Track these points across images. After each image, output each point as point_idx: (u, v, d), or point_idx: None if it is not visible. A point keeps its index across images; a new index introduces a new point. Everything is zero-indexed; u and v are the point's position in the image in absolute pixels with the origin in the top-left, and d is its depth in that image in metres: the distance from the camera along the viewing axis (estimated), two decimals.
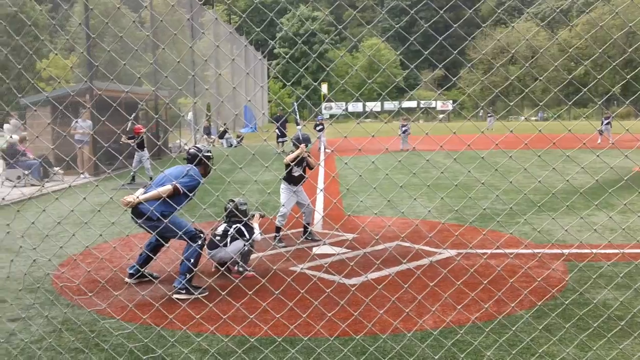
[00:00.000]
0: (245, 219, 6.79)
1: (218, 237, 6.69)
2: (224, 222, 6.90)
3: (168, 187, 5.85)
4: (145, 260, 6.39)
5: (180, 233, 5.59)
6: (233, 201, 7.03)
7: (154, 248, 6.42)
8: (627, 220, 9.28)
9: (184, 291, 5.88)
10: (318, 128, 24.96)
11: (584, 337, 4.48)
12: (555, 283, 6.17)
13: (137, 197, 5.90)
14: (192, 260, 5.88)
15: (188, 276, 5.89)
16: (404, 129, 24.99)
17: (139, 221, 5.91)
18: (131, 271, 6.42)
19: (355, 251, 7.69)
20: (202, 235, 6.08)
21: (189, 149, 6.58)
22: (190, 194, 5.94)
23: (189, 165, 6.24)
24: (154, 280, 6.35)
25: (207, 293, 5.91)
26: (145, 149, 15.79)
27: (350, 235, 8.45)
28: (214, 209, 10.52)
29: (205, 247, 6.32)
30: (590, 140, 24.49)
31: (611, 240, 7.59)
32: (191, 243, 5.92)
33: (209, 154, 6.45)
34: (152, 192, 5.89)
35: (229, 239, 6.67)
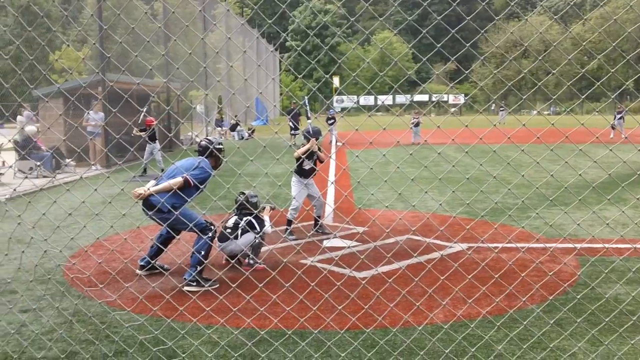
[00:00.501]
0: (255, 212, 6.80)
1: (229, 230, 6.71)
2: (235, 215, 6.91)
3: (179, 180, 5.86)
4: (156, 252, 6.42)
5: (190, 225, 5.60)
6: (244, 194, 7.05)
7: (165, 240, 6.44)
8: None
9: (194, 283, 5.89)
10: (330, 122, 24.92)
11: (595, 331, 4.45)
12: (566, 277, 6.13)
13: (148, 189, 5.91)
14: (202, 253, 5.89)
15: (199, 268, 5.91)
16: (415, 121, 24.92)
17: (149, 213, 5.94)
18: (142, 263, 6.45)
19: (365, 244, 7.68)
20: (212, 227, 6.08)
21: (200, 141, 6.59)
22: (201, 186, 5.94)
23: (200, 157, 6.24)
24: (165, 273, 6.37)
25: (217, 285, 5.93)
26: (157, 141, 15.83)
27: (361, 229, 8.45)
28: (225, 202, 10.55)
29: (215, 239, 6.33)
30: (603, 134, 24.29)
31: (623, 234, 7.52)
32: (202, 235, 5.93)
33: (220, 146, 6.44)
34: (163, 184, 5.91)
35: (239, 232, 6.69)
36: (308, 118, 9.16)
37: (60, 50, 31.42)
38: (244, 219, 6.76)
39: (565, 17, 67.65)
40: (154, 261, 6.40)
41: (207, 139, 6.63)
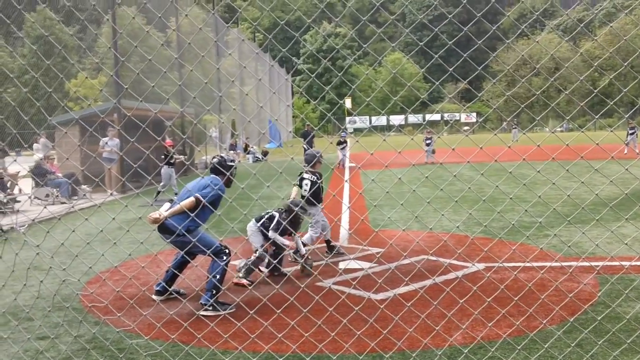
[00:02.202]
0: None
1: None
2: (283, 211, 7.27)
3: (190, 200, 5.89)
4: (171, 277, 6.41)
5: (205, 249, 5.60)
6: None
7: (180, 264, 6.44)
8: None
9: (211, 308, 5.88)
10: (341, 146, 24.86)
11: (617, 353, 4.38)
12: (585, 297, 6.06)
13: (162, 214, 5.94)
14: (217, 277, 5.89)
15: (215, 293, 5.90)
16: (427, 142, 24.89)
17: (165, 238, 5.97)
18: (158, 288, 6.44)
19: (381, 266, 7.65)
20: (227, 251, 6.10)
21: (213, 158, 6.62)
22: (213, 207, 5.93)
23: (211, 176, 6.28)
24: (181, 298, 6.37)
25: (234, 310, 5.92)
26: (174, 165, 15.90)
27: (376, 250, 8.42)
28: (240, 225, 10.58)
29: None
30: (617, 151, 24.12)
31: None
32: (216, 259, 5.93)
33: (232, 163, 6.46)
34: (176, 207, 5.92)
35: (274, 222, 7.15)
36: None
37: (75, 78, 31.88)
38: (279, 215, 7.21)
39: (574, 34, 67.72)
40: (170, 287, 6.39)
41: (219, 155, 6.67)
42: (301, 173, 8.46)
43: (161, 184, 15.71)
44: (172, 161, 15.60)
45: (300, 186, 8.38)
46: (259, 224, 7.19)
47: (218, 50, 29.20)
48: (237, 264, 7.23)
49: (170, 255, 8.61)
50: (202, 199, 5.89)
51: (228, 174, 6.37)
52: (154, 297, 6.41)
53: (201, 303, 5.98)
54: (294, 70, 70.71)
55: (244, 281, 6.96)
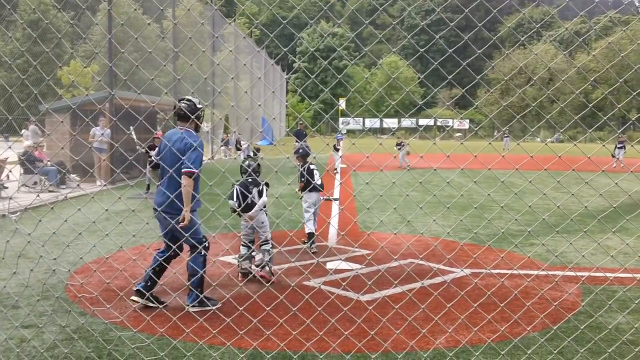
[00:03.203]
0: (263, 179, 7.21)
1: (257, 201, 7.00)
2: (252, 186, 7.08)
3: (188, 181, 5.54)
4: (154, 281, 5.96)
5: (191, 236, 5.39)
6: (251, 157, 7.46)
7: (166, 260, 6.02)
8: None
9: (198, 305, 5.81)
10: (338, 148, 24.72)
11: None
12: (568, 306, 6.13)
13: (186, 211, 5.61)
14: (199, 274, 5.75)
15: (200, 290, 5.81)
16: (398, 147, 24.88)
17: (162, 220, 5.69)
18: (138, 287, 6.00)
19: (370, 267, 7.69)
20: (207, 244, 5.89)
21: (180, 101, 5.97)
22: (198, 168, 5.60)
23: (182, 131, 5.83)
24: (171, 292, 6.35)
25: (220, 305, 5.91)
26: None
27: (366, 252, 8.46)
28: (230, 221, 10.59)
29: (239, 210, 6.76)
30: (606, 164, 24.32)
31: (624, 264, 7.52)
32: (197, 249, 5.70)
33: (200, 106, 5.97)
34: (185, 199, 5.57)
35: (256, 197, 7.02)
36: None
37: (68, 65, 31.69)
38: (261, 185, 7.09)
39: (569, 46, 68.14)
40: (156, 284, 6.02)
41: (187, 98, 5.99)
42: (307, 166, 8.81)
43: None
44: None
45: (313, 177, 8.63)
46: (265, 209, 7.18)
47: (214, 44, 29.12)
48: (257, 259, 7.16)
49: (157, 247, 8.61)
50: (194, 169, 5.55)
51: (195, 118, 5.78)
52: (132, 297, 5.97)
53: (187, 304, 5.83)
54: (290, 69, 70.61)
55: (269, 276, 7.00)
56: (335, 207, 12.97)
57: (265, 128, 40.28)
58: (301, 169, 8.76)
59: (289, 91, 72.99)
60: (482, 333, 5.18)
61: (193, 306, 5.81)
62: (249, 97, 36.59)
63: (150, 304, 5.81)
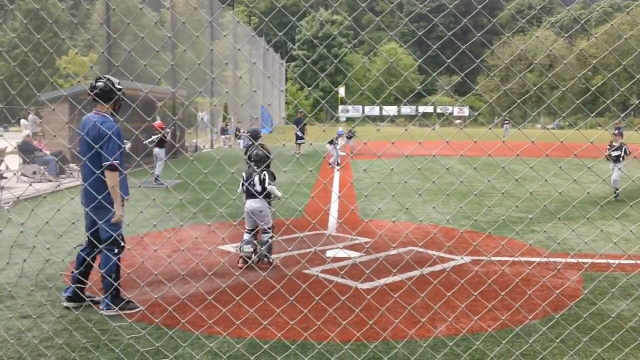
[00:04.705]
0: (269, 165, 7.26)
1: (257, 188, 7.07)
2: (255, 173, 7.15)
3: (110, 176, 5.21)
4: (80, 280, 5.52)
5: (107, 231, 5.09)
6: (257, 146, 7.39)
7: (90, 257, 5.50)
8: None
9: (113, 307, 5.31)
10: (336, 143, 24.05)
11: (601, 350, 4.40)
12: (570, 293, 6.09)
13: (117, 207, 5.33)
14: (113, 276, 5.32)
15: (115, 293, 5.37)
16: (348, 135, 24.54)
17: (87, 215, 5.38)
18: (67, 294, 5.63)
19: (369, 255, 7.64)
20: (122, 244, 5.41)
21: (97, 80, 5.50)
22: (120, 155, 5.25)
23: (98, 116, 5.41)
24: (166, 281, 6.31)
25: (139, 308, 5.51)
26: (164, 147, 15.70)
27: (365, 239, 8.41)
28: (228, 210, 10.54)
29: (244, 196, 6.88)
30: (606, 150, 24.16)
31: (627, 250, 7.47)
32: (108, 253, 5.33)
33: (119, 86, 5.47)
34: (114, 194, 5.27)
35: (259, 188, 7.08)
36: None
37: (67, 55, 31.54)
38: (264, 173, 7.14)
39: (569, 32, 67.84)
40: (84, 286, 5.56)
41: (106, 78, 5.48)
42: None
43: (156, 167, 15.47)
44: (163, 143, 15.43)
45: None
46: (265, 199, 7.17)
47: (213, 33, 28.95)
48: (259, 250, 7.26)
49: (158, 238, 8.57)
50: (115, 163, 5.17)
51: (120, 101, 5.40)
52: (64, 304, 5.59)
53: (101, 308, 5.41)
54: (288, 56, 70.41)
55: (268, 265, 7.17)
56: (334, 195, 12.92)
57: (265, 116, 40.17)
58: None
59: (288, 79, 72.71)
60: (483, 321, 5.14)
61: (107, 310, 5.36)
62: (248, 85, 36.43)
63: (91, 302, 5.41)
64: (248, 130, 9.09)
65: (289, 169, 8.53)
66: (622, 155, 11.71)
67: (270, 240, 7.18)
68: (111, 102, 5.36)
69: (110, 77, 5.52)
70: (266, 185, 7.05)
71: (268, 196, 7.14)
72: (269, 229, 7.21)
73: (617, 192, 11.41)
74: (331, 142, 21.80)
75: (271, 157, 7.22)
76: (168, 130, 15.54)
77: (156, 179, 14.98)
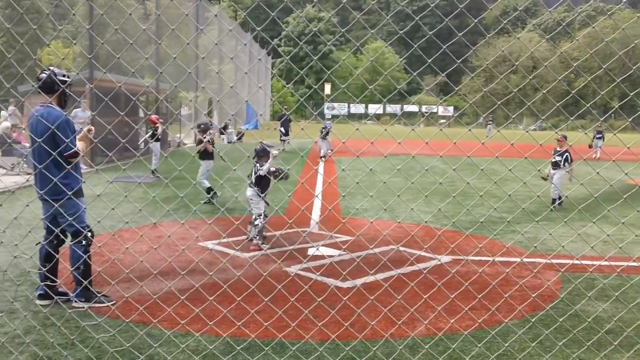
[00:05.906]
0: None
1: (252, 179, 8.00)
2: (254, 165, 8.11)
3: (74, 160, 5.09)
4: (50, 274, 5.41)
5: (72, 224, 5.03)
6: (260, 143, 8.34)
7: (53, 251, 5.43)
8: (621, 233, 9.26)
9: (83, 299, 5.35)
10: (323, 133, 23.70)
11: (579, 351, 4.43)
12: (548, 294, 6.12)
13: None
14: (82, 267, 5.23)
15: (83, 283, 5.19)
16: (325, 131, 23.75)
17: (45, 206, 5.26)
18: (40, 292, 5.51)
19: (349, 254, 7.63)
20: (90, 234, 5.39)
21: (40, 73, 5.37)
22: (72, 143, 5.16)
23: (44, 109, 5.25)
24: (137, 281, 6.24)
25: (112, 302, 5.47)
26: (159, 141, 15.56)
27: (345, 238, 8.40)
28: (211, 207, 10.49)
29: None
30: (589, 154, 24.35)
31: (603, 253, 7.54)
32: (75, 247, 5.28)
33: (64, 78, 5.34)
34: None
35: (253, 178, 7.99)
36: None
37: (48, 46, 31.16)
38: (256, 165, 8.09)
39: (553, 35, 68.41)
40: (54, 284, 5.42)
41: (50, 70, 5.32)
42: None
43: (153, 161, 15.34)
44: (159, 136, 15.33)
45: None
46: (255, 188, 7.88)
47: (197, 27, 28.71)
48: (249, 233, 8.09)
49: (136, 233, 8.47)
50: (77, 149, 5.14)
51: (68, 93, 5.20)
52: (37, 302, 5.49)
53: (74, 300, 5.42)
54: (275, 52, 70.15)
55: (263, 246, 7.81)
56: (317, 191, 12.89)
57: (250, 112, 40.03)
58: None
59: (274, 75, 72.50)
60: (462, 321, 5.15)
61: (77, 302, 5.36)
62: (230, 81, 36.23)
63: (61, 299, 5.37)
64: (198, 123, 9.66)
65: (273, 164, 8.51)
66: (562, 162, 11.17)
67: (257, 224, 7.93)
68: (55, 94, 5.26)
69: (55, 69, 5.39)
70: (260, 174, 7.90)
71: (258, 185, 7.92)
72: (259, 215, 7.97)
73: (560, 199, 11.24)
74: (325, 137, 21.76)
75: (271, 151, 8.17)
76: (158, 124, 15.42)
77: (153, 172, 14.86)
